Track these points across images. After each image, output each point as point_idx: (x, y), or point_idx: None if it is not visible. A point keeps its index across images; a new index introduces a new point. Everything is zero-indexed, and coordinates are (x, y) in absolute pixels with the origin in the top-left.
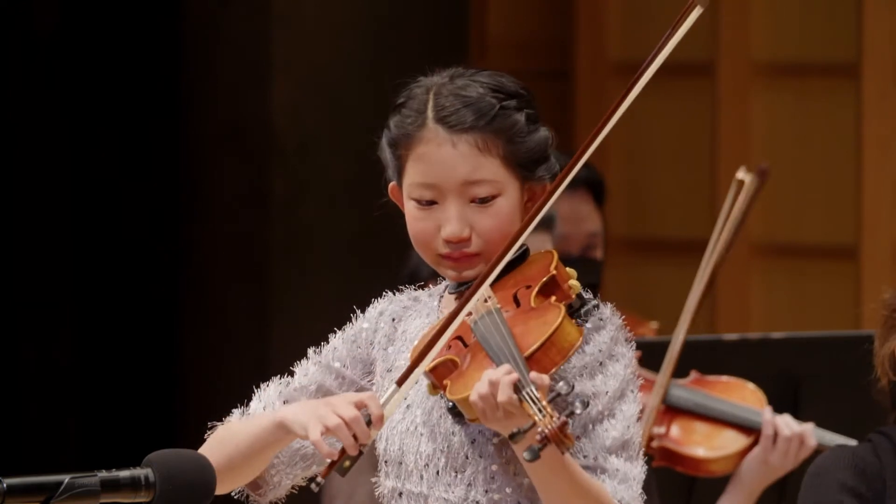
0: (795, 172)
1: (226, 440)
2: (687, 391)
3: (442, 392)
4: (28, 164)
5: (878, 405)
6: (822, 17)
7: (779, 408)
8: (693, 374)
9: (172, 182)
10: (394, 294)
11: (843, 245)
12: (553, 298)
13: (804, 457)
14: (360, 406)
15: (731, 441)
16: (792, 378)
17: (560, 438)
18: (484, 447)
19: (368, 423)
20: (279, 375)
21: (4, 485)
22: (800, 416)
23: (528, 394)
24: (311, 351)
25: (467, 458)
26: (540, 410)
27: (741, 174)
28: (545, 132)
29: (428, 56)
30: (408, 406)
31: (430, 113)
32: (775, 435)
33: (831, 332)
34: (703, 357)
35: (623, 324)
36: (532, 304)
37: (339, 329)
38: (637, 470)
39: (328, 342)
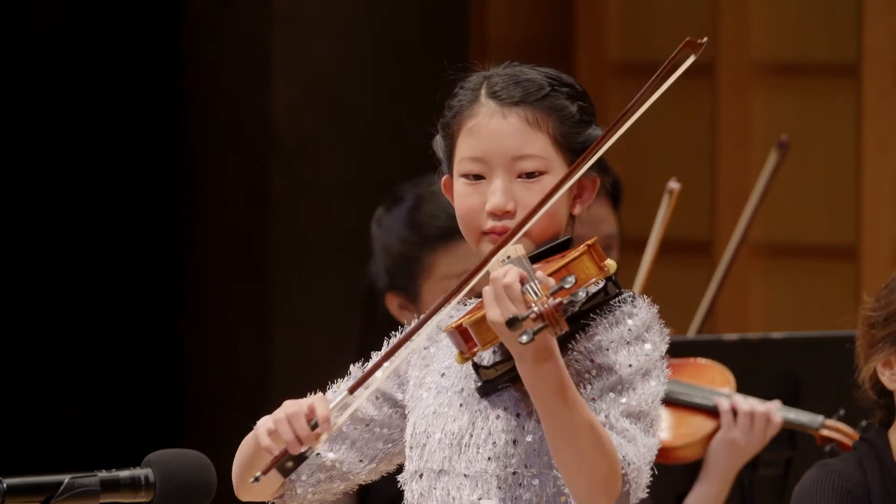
0: (795, 172)
1: (239, 452)
2: None
3: (469, 358)
4: (28, 163)
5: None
6: (822, 17)
7: None
8: None
9: (172, 182)
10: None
11: (843, 245)
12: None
13: (771, 434)
14: (310, 409)
15: (698, 426)
16: (792, 378)
17: (554, 317)
18: (507, 423)
19: (315, 426)
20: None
21: (4, 485)
22: None
23: (530, 286)
24: (351, 366)
25: (490, 433)
26: (536, 294)
27: (672, 184)
28: (598, 130)
29: (428, 56)
30: (437, 391)
31: (483, 90)
32: (734, 413)
33: (831, 332)
34: (703, 357)
35: (658, 315)
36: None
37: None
38: (649, 440)
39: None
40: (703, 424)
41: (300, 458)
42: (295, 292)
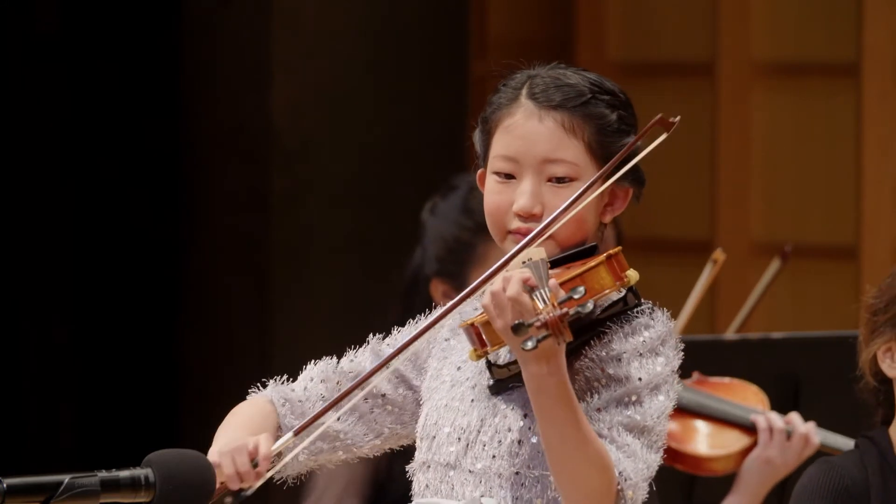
0: (795, 172)
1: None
2: (689, 391)
3: (482, 355)
4: (28, 163)
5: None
6: (822, 17)
7: (779, 408)
8: (695, 375)
9: (172, 182)
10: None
11: (843, 245)
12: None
13: (808, 454)
14: (254, 446)
15: (733, 440)
16: (792, 378)
17: (558, 327)
18: (514, 422)
19: (256, 464)
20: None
21: (4, 485)
22: (800, 415)
23: (539, 293)
24: (371, 336)
25: (497, 431)
26: (544, 302)
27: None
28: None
29: (428, 56)
30: (451, 384)
31: (524, 90)
32: (771, 431)
33: (831, 332)
34: (704, 357)
35: (674, 329)
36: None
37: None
38: (650, 456)
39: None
40: (739, 439)
41: (238, 494)
42: (295, 292)
